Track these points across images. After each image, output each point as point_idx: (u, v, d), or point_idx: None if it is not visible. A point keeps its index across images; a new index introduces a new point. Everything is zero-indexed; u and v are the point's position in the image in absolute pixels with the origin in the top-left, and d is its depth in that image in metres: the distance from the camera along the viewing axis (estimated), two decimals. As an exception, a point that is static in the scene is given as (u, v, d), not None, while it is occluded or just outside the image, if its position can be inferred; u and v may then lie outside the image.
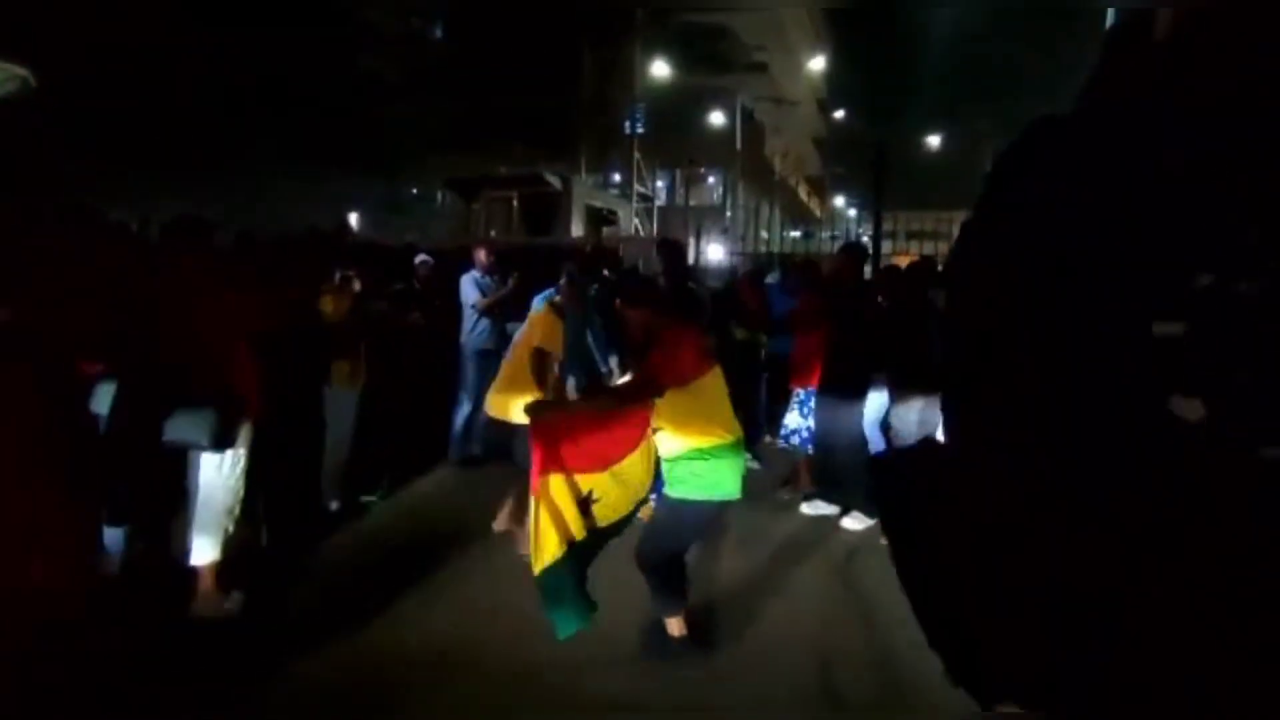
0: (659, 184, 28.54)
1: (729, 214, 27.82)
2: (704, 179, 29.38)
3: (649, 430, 2.98)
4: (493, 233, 19.42)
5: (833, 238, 23.85)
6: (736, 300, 5.98)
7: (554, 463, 2.85)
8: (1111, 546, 0.89)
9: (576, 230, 19.93)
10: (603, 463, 2.96)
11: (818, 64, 28.74)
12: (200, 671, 2.88)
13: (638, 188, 25.00)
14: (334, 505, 4.47)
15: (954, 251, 1.12)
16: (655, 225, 26.01)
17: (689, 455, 2.87)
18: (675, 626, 2.98)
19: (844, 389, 4.56)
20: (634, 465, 3.01)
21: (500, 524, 4.12)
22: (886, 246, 13.05)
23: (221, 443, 3.16)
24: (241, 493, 3.30)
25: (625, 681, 2.90)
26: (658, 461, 3.05)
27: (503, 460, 4.41)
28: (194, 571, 3.25)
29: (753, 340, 5.98)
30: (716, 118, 26.40)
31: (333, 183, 22.33)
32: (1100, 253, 0.86)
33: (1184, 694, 0.84)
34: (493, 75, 25.92)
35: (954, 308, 1.12)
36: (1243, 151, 0.80)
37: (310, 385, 4.17)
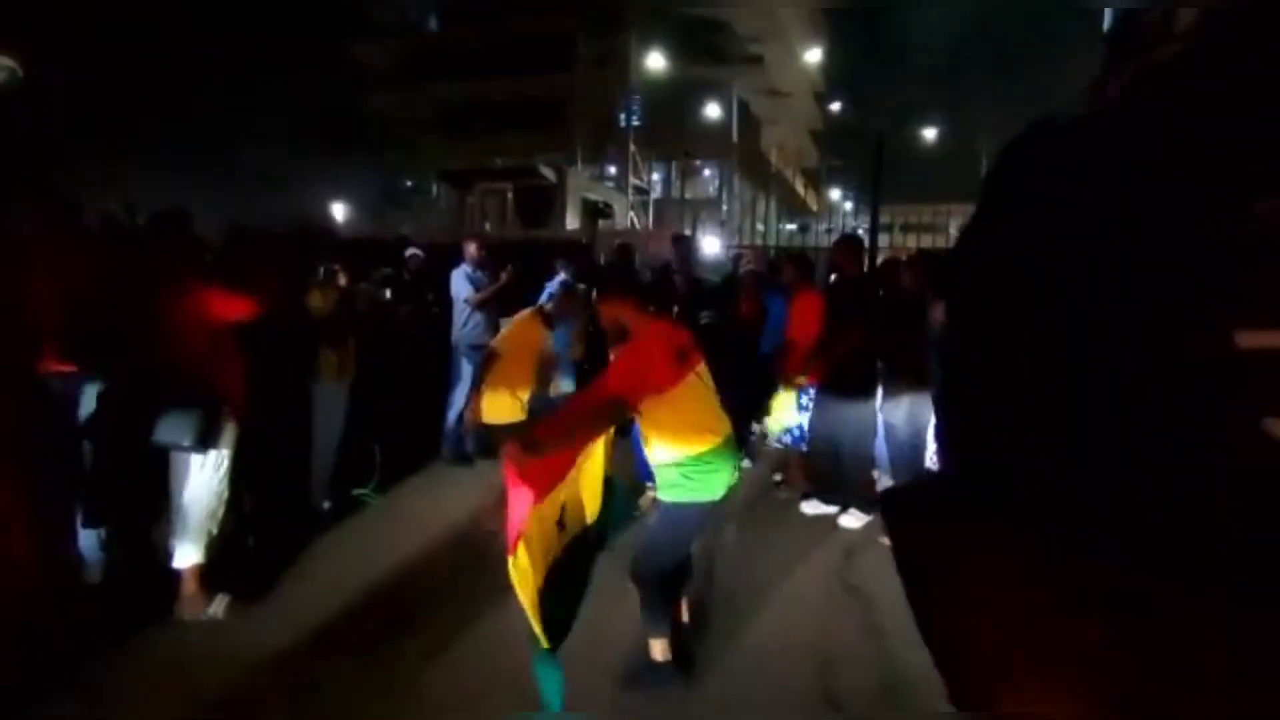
0: (655, 176, 28.45)
1: (725, 207, 27.77)
2: (700, 171, 29.30)
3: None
4: (487, 225, 19.33)
5: (828, 231, 23.83)
6: (734, 301, 5.87)
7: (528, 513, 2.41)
8: (1111, 548, 0.89)
9: (572, 223, 19.86)
10: (563, 472, 2.62)
11: (814, 56, 28.60)
12: (185, 673, 2.82)
13: (633, 180, 24.92)
14: (326, 505, 4.39)
15: (953, 253, 1.09)
16: (651, 218, 25.95)
17: (680, 462, 2.72)
18: (659, 650, 2.80)
19: (847, 385, 4.48)
20: (592, 457, 2.75)
21: (492, 524, 4.05)
22: (883, 240, 12.98)
23: (205, 443, 3.09)
24: (226, 494, 3.22)
25: (615, 692, 2.84)
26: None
27: (496, 458, 4.34)
28: (177, 574, 3.17)
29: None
30: (712, 110, 26.29)
31: (326, 174, 22.20)
32: (1099, 253, 0.86)
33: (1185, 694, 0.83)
34: (487, 66, 25.80)
35: (954, 309, 1.09)
36: (1243, 151, 0.79)
37: (298, 382, 4.10)
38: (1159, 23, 0.92)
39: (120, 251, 3.96)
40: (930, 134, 31.71)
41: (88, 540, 3.16)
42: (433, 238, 10.29)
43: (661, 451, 2.73)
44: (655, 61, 23.49)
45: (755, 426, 5.39)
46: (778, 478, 5.27)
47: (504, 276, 5.89)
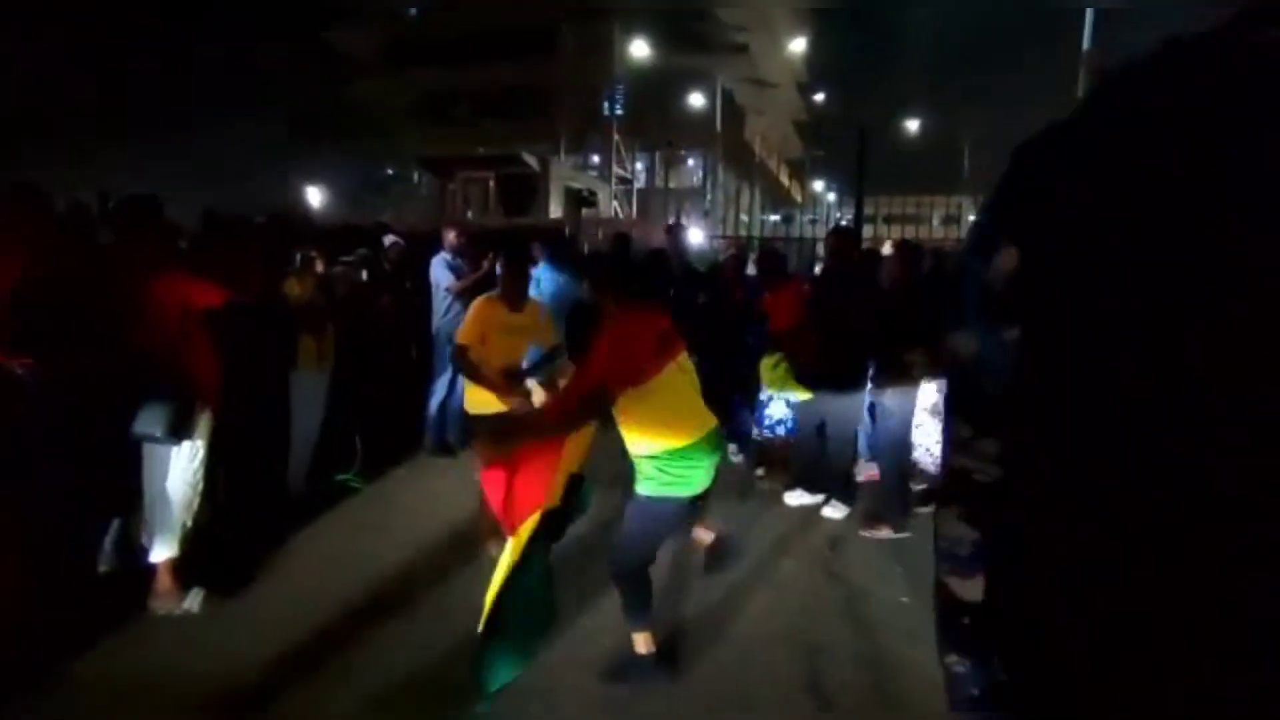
0: (638, 166, 28.33)
1: (709, 197, 27.72)
2: (684, 161, 29.20)
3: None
4: (469, 214, 19.14)
5: (812, 221, 23.87)
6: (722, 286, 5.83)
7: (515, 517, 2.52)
8: (1112, 549, 0.89)
9: (555, 211, 19.73)
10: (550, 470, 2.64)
11: (798, 46, 28.53)
12: (158, 670, 2.77)
13: (616, 170, 24.77)
14: (301, 493, 4.32)
15: (964, 252, 1.06)
16: (634, 207, 25.86)
17: (660, 455, 2.65)
18: (643, 643, 2.76)
19: (838, 377, 4.45)
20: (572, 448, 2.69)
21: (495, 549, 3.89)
22: (866, 230, 13.02)
23: (178, 434, 3.01)
24: (201, 486, 3.15)
25: (601, 681, 2.81)
26: None
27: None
28: (152, 569, 3.10)
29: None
30: (696, 99, 26.17)
31: (304, 161, 21.89)
32: (1100, 255, 0.85)
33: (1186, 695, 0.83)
34: (469, 54, 25.51)
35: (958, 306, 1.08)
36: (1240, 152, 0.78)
37: (275, 371, 4.02)
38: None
39: (88, 238, 3.86)
40: (913, 126, 31.85)
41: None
42: (413, 225, 10.16)
43: (638, 444, 2.67)
44: (639, 50, 23.32)
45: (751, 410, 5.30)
46: (760, 472, 5.25)
47: (485, 265, 5.81)
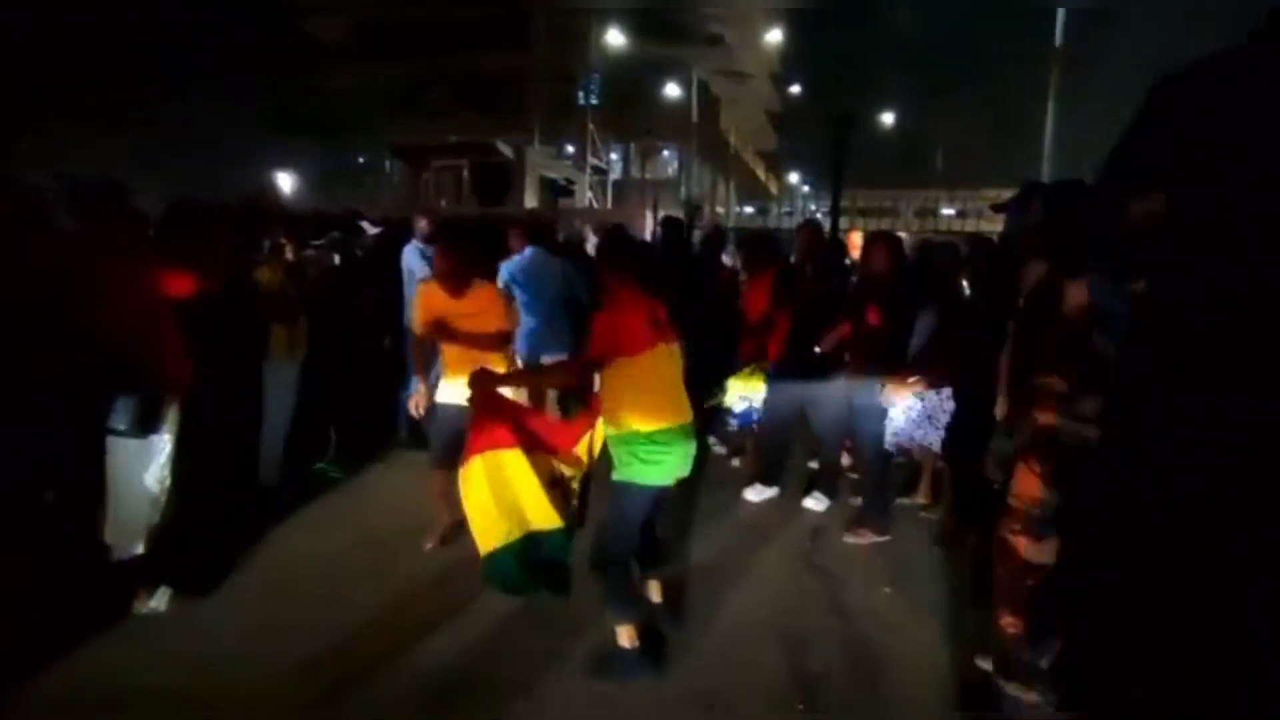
0: (613, 156, 28.17)
1: (683, 188, 27.70)
2: (659, 152, 29.12)
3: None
4: (443, 202, 18.88)
5: (788, 213, 23.96)
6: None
7: (503, 440, 2.71)
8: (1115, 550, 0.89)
9: (530, 201, 19.55)
10: (564, 444, 2.88)
11: (774, 38, 28.52)
12: (124, 671, 2.66)
13: (591, 159, 24.61)
14: (273, 487, 4.20)
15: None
16: (610, 198, 25.75)
17: (632, 437, 2.67)
18: (626, 636, 2.75)
19: (806, 368, 4.42)
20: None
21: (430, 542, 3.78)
22: (841, 223, 13.07)
23: (145, 428, 2.89)
24: (168, 481, 3.02)
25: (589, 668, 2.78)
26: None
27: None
28: (116, 567, 2.98)
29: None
30: (672, 90, 26.07)
31: (274, 149, 21.38)
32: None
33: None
34: (443, 42, 25.12)
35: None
36: None
37: (247, 361, 3.89)
38: None
39: (48, 224, 3.67)
40: (887, 119, 32.08)
41: None
42: (385, 214, 9.96)
43: (615, 421, 2.71)
44: (614, 39, 23.15)
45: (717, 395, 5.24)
46: (736, 462, 5.22)
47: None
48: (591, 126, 23.82)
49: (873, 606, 3.35)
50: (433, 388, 3.76)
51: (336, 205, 13.29)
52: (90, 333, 2.80)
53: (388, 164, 27.16)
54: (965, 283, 4.37)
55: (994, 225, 21.47)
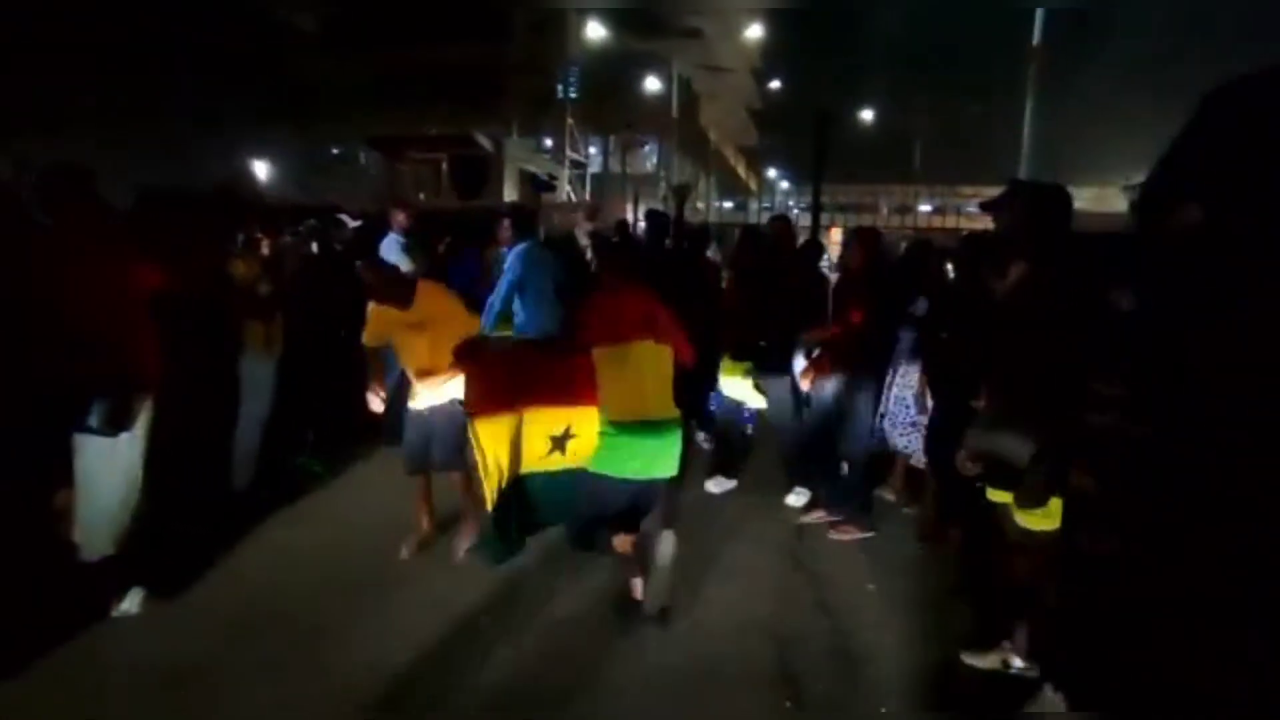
0: (591, 150, 28.04)
1: (663, 183, 27.65)
2: (639, 146, 29.01)
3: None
4: (421, 195, 18.67)
5: (769, 209, 24.03)
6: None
7: (504, 403, 2.84)
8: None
9: (510, 194, 19.39)
10: (571, 398, 2.91)
11: (753, 33, 28.54)
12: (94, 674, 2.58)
13: (570, 153, 24.47)
14: (249, 485, 4.10)
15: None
16: (588, 192, 25.63)
17: (602, 424, 2.84)
18: (636, 589, 3.03)
19: (764, 359, 4.42)
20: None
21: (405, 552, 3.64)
22: (822, 219, 13.13)
23: (116, 425, 2.80)
24: (140, 480, 2.94)
25: (579, 667, 2.76)
26: None
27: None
28: (84, 568, 2.89)
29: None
30: (651, 84, 25.99)
31: (246, 140, 20.93)
32: None
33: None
34: (420, 32, 24.71)
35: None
36: None
37: (222, 357, 3.79)
38: None
39: (11, 214, 3.55)
40: (865, 116, 32.28)
41: None
42: (362, 207, 9.82)
43: (600, 411, 2.87)
44: (594, 31, 23.02)
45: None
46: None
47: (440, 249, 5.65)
48: (570, 120, 23.68)
49: (857, 603, 3.36)
50: (395, 387, 3.70)
51: (311, 198, 13.08)
52: (57, 328, 2.70)
53: (362, 156, 26.77)
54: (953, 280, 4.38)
55: (972, 223, 21.73)
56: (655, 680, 2.73)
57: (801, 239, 5.99)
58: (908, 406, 4.25)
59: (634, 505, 2.99)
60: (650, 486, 2.96)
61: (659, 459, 2.88)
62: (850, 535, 4.04)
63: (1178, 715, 0.89)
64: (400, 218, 5.61)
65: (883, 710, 2.62)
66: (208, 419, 3.55)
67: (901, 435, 4.31)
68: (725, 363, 4.68)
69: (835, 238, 13.77)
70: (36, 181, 3.09)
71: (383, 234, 5.65)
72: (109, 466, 2.86)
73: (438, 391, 3.42)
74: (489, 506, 2.87)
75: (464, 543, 3.60)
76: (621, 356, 2.82)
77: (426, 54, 25.24)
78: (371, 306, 3.50)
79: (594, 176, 27.48)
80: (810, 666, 2.85)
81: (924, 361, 4.10)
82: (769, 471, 4.83)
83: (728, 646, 2.97)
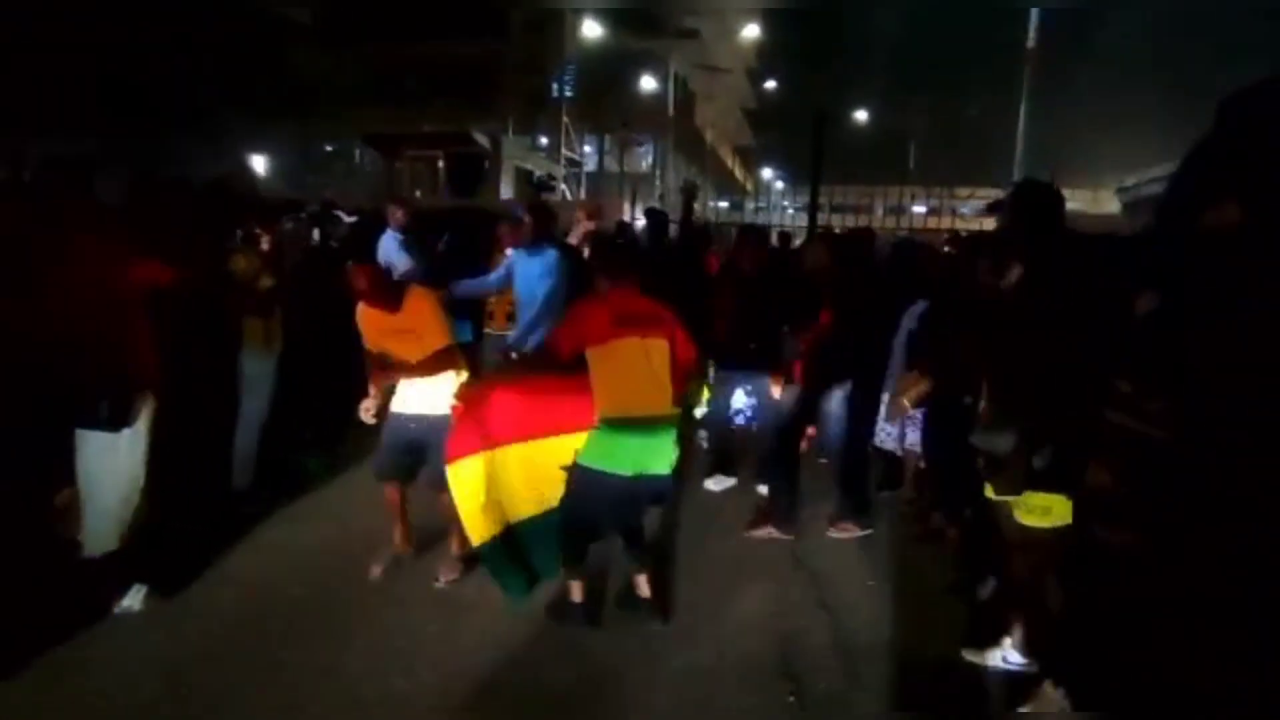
0: (587, 149, 28.02)
1: (659, 182, 27.65)
2: (637, 145, 28.97)
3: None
4: (418, 193, 18.61)
5: (761, 209, 24.05)
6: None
7: (490, 438, 2.95)
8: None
9: (506, 193, 19.36)
10: (571, 425, 2.98)
11: (750, 33, 28.55)
12: (96, 672, 2.58)
13: (565, 152, 24.44)
14: (249, 482, 4.09)
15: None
16: (584, 191, 25.61)
17: (597, 425, 2.88)
18: (575, 590, 3.03)
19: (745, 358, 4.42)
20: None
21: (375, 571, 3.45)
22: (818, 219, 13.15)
23: (118, 421, 2.80)
24: (142, 477, 2.93)
25: (581, 665, 2.78)
26: None
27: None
28: (85, 564, 2.88)
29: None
30: (648, 83, 25.96)
31: (239, 136, 20.75)
32: None
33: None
34: (415, 28, 24.61)
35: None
36: None
37: (222, 353, 3.78)
38: None
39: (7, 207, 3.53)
40: (860, 116, 32.33)
41: None
42: (358, 204, 9.80)
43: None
44: (591, 30, 22.98)
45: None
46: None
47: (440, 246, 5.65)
48: (566, 118, 23.65)
49: (857, 601, 3.38)
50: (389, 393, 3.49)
51: (308, 194, 13.02)
52: (54, 326, 2.69)
53: (357, 152, 26.67)
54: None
55: (967, 224, 21.78)
56: (657, 677, 2.74)
57: (799, 240, 6.01)
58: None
59: (627, 502, 3.01)
60: (641, 483, 2.92)
61: (649, 455, 2.88)
62: (849, 533, 4.06)
63: (1178, 715, 0.90)
64: (398, 215, 5.60)
65: (884, 707, 2.64)
66: (208, 416, 3.54)
67: (909, 434, 4.29)
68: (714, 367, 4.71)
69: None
70: (34, 179, 3.09)
71: (380, 231, 5.65)
72: (111, 463, 2.86)
73: (433, 402, 3.23)
74: (475, 544, 2.95)
75: (449, 573, 3.36)
76: (610, 354, 2.84)
77: (423, 51, 25.17)
78: (360, 309, 3.34)
79: (589, 175, 27.46)
80: (812, 663, 2.87)
81: (922, 359, 4.10)
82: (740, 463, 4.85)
83: (729, 644, 2.98)
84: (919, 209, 27.67)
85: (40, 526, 2.91)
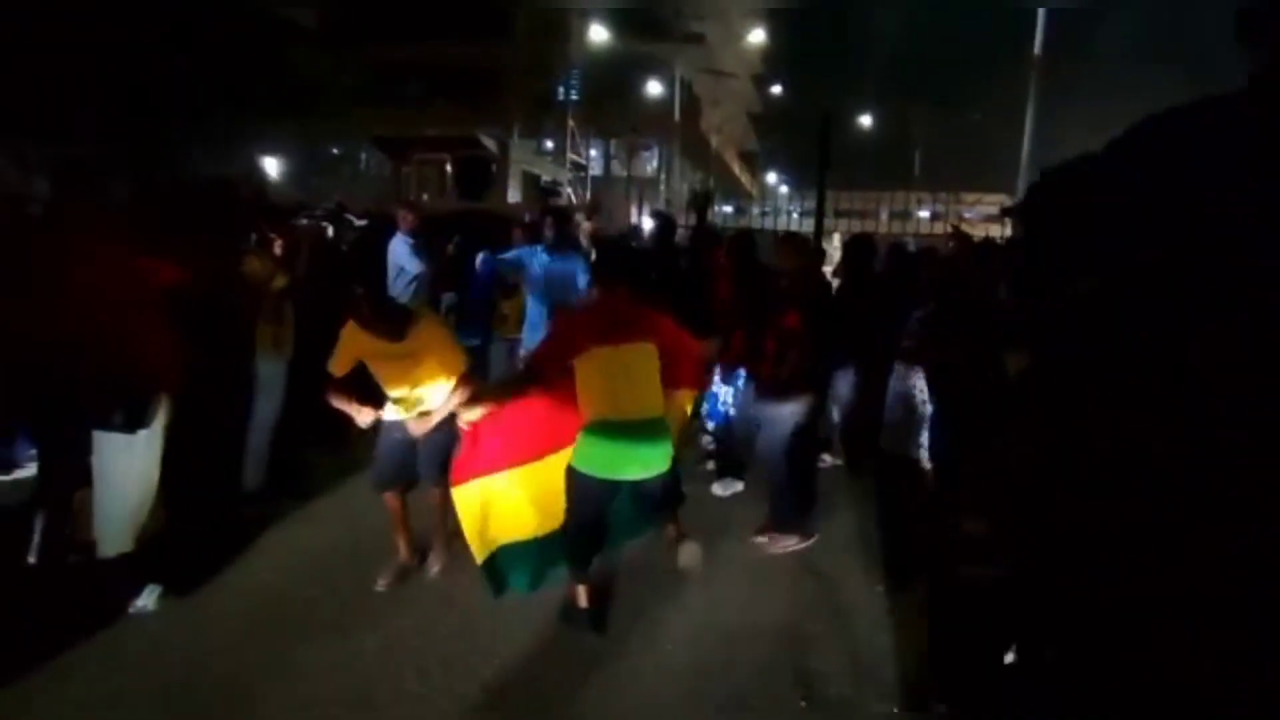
0: (592, 153, 28.08)
1: (664, 186, 27.66)
2: (646, 149, 29.00)
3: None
4: (425, 196, 18.67)
5: (766, 213, 24.06)
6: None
7: (493, 463, 3.03)
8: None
9: (513, 196, 19.41)
10: (572, 439, 2.97)
11: (755, 38, 28.59)
12: (111, 670, 2.62)
13: (571, 156, 24.48)
14: (262, 485, 4.13)
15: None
16: (589, 195, 25.64)
17: (586, 428, 2.90)
18: (580, 595, 3.03)
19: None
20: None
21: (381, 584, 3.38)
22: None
23: (133, 423, 2.84)
24: (156, 478, 2.97)
25: (590, 668, 2.79)
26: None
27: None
28: (100, 564, 2.92)
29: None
30: (654, 87, 26.00)
31: (245, 140, 20.84)
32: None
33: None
34: (420, 31, 24.69)
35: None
36: None
37: (237, 355, 3.82)
38: None
39: (16, 210, 3.56)
40: (865, 121, 32.35)
41: None
42: (365, 208, 9.86)
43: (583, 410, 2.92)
44: (596, 34, 23.04)
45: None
46: (710, 465, 5.10)
47: (449, 249, 5.70)
48: (571, 122, 23.69)
49: (866, 604, 3.38)
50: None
51: (315, 198, 13.07)
52: (66, 328, 2.72)
53: (364, 156, 26.76)
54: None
55: (972, 229, 21.74)
56: (668, 681, 2.76)
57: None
58: (912, 410, 4.26)
59: (626, 502, 3.09)
60: (633, 484, 2.94)
61: (636, 458, 2.88)
62: (783, 547, 3.91)
63: (1178, 715, 0.92)
64: (408, 219, 5.65)
65: (894, 710, 2.65)
66: (222, 418, 3.58)
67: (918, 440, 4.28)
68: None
69: (836, 243, 13.92)
70: (46, 181, 3.13)
71: (389, 235, 5.70)
72: (127, 464, 2.89)
73: (427, 425, 3.21)
74: (479, 562, 3.03)
75: (435, 566, 3.46)
76: (589, 362, 2.86)
77: (428, 53, 25.26)
78: (347, 329, 3.14)
79: (595, 179, 27.51)
80: (822, 667, 2.88)
81: (925, 365, 4.09)
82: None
83: (739, 648, 2.99)
84: (924, 214, 27.66)
85: (57, 526, 2.95)
